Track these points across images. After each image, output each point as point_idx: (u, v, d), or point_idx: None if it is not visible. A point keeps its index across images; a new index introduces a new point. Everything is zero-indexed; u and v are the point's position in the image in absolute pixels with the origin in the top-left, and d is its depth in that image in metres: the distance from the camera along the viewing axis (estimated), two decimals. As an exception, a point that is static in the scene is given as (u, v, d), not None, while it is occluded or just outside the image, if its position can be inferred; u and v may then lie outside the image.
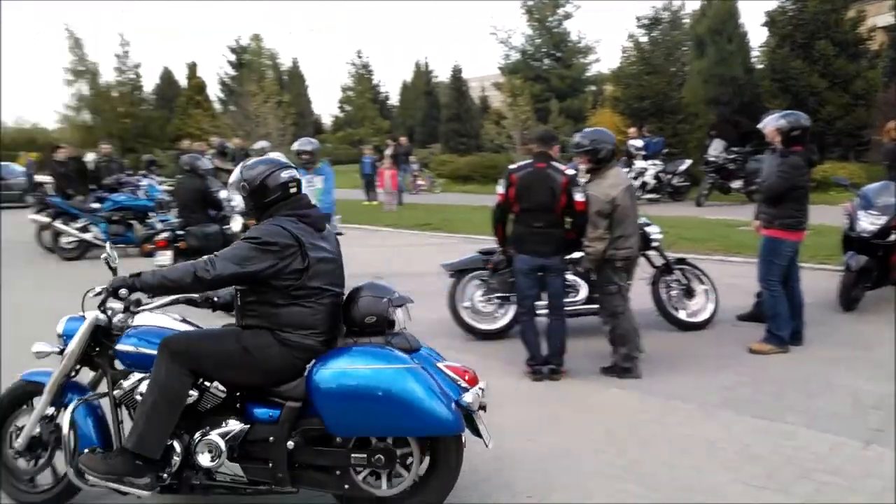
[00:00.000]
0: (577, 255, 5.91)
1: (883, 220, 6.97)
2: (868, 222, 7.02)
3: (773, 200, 5.98)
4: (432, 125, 42.20)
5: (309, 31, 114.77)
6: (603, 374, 5.60)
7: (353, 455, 3.24)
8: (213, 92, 44.72)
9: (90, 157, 15.21)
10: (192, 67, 42.24)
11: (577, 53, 37.13)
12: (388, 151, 21.30)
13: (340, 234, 8.08)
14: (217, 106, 42.35)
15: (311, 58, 78.30)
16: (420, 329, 6.73)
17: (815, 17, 19.67)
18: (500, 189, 5.54)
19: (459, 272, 6.56)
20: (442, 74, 51.49)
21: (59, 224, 11.76)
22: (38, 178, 23.70)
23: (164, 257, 8.17)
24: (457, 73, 36.88)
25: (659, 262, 6.78)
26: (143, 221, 11.99)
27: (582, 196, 5.36)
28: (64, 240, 11.81)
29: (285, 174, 3.38)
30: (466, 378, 3.40)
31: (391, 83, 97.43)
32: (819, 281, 7.63)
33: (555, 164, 5.47)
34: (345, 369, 3.17)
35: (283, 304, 3.24)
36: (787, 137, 5.95)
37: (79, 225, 11.87)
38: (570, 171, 5.48)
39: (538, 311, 5.66)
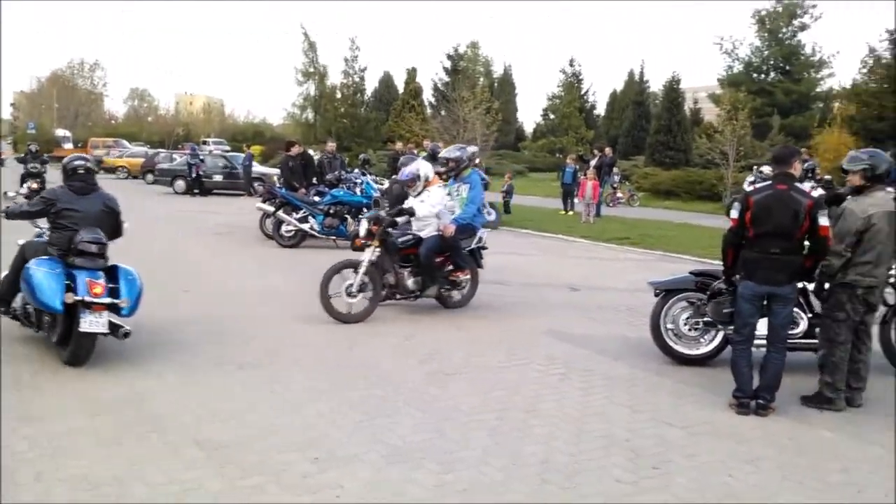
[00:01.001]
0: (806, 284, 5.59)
1: None
2: None
3: None
4: (638, 136, 41.21)
5: (522, 38, 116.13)
6: (803, 404, 5.30)
7: None
8: (427, 97, 46.73)
9: (314, 153, 16.50)
10: (412, 72, 44.51)
11: (809, 67, 34.70)
12: (593, 162, 21.11)
13: (484, 248, 8.19)
14: (428, 110, 44.20)
15: (523, 65, 79.47)
16: (614, 344, 6.75)
17: None
18: (735, 214, 5.26)
19: (667, 292, 6.37)
20: (654, 84, 50.08)
21: (282, 213, 12.87)
22: (259, 169, 26.12)
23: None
24: (674, 82, 35.71)
25: (893, 299, 6.18)
26: (357, 217, 12.81)
27: (827, 220, 5.05)
28: (284, 228, 12.91)
29: (77, 163, 6.07)
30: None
31: (600, 91, 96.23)
32: None
33: (798, 185, 5.18)
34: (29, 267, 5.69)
35: (50, 228, 5.91)
36: None
37: (299, 216, 12.93)
38: (816, 193, 5.18)
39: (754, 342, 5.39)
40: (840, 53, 52.30)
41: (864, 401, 5.42)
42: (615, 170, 23.33)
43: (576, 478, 4.08)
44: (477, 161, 16.83)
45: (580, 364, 6.24)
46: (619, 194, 23.34)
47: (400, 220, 7.87)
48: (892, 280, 5.96)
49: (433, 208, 7.84)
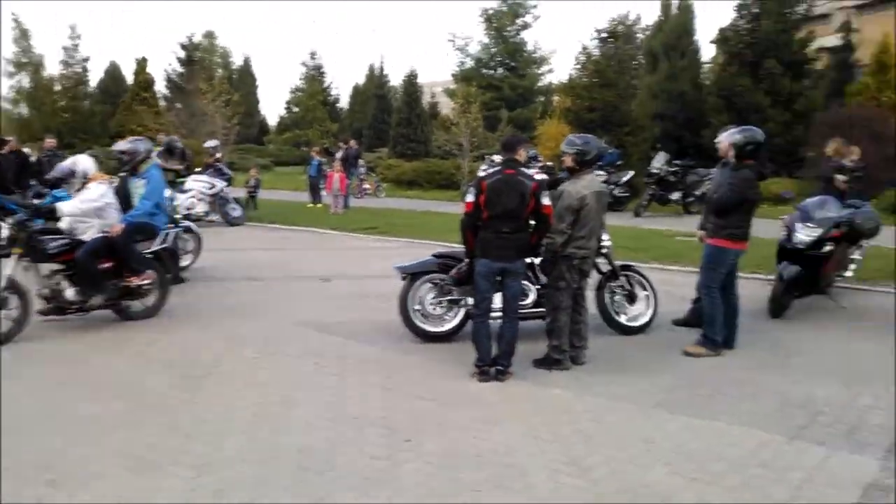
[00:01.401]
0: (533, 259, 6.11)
1: (819, 231, 7.32)
2: (805, 234, 7.37)
3: (722, 212, 6.25)
4: (381, 129, 42.15)
5: (261, 29, 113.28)
6: (535, 367, 5.85)
7: None
8: (160, 88, 43.83)
9: (28, 151, 14.79)
10: (142, 62, 41.38)
11: (532, 63, 37.76)
12: (339, 154, 21.25)
13: (173, 249, 7.58)
14: (162, 103, 41.51)
15: (263, 57, 77.51)
16: (365, 329, 6.91)
17: (767, 37, 20.41)
18: (470, 198, 5.56)
19: (413, 275, 6.63)
20: (394, 78, 51.49)
21: (-7, 219, 11.40)
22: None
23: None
24: (412, 77, 37.00)
25: (606, 268, 6.99)
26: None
27: (549, 200, 5.54)
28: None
29: None
30: None
31: (343, 85, 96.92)
32: (751, 289, 7.97)
33: (523, 170, 5.64)
34: None
35: None
36: (740, 152, 6.24)
37: (13, 221, 11.52)
38: (540, 176, 5.67)
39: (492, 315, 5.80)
40: (557, 51, 57.57)
41: (588, 358, 6.09)
42: (361, 161, 23.69)
43: (333, 461, 4.14)
44: (218, 155, 16.29)
45: (334, 352, 6.31)
46: (366, 185, 23.75)
47: (62, 224, 6.98)
48: (604, 251, 6.75)
49: (82, 205, 7.01)
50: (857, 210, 7.91)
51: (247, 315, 7.61)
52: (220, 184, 15.05)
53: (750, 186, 6.17)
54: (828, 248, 7.32)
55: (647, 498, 3.77)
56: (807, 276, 7.46)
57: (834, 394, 5.34)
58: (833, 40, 26.26)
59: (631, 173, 18.12)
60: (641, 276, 7.16)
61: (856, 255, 8.48)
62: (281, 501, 3.70)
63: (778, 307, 7.42)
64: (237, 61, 54.01)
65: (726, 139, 6.37)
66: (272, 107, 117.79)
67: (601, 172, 17.60)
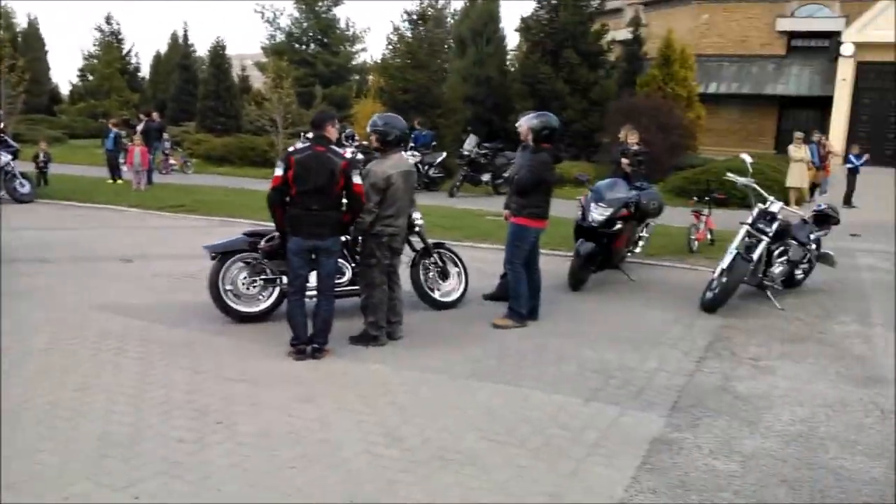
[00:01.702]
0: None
1: (609, 211, 7.93)
2: (598, 213, 7.95)
3: (523, 192, 6.60)
4: (187, 101, 39.89)
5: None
6: (352, 343, 5.90)
7: None
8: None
9: None
10: None
11: (345, 41, 37.32)
12: (140, 127, 19.90)
13: None
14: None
15: (52, 18, 70.46)
16: (173, 312, 6.60)
17: (564, 27, 21.59)
18: (279, 172, 5.45)
19: (223, 254, 6.40)
20: (200, 49, 48.82)
21: None
22: None
23: None
24: (219, 48, 35.21)
25: (419, 245, 7.15)
26: None
27: (360, 179, 5.54)
28: None
29: None
30: None
31: (143, 53, 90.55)
32: (552, 265, 8.52)
33: (334, 147, 5.59)
34: None
35: None
36: (538, 136, 6.60)
37: None
38: (349, 154, 5.65)
39: (307, 293, 5.75)
40: (371, 30, 57.25)
41: (403, 333, 6.22)
42: (165, 136, 22.33)
43: (136, 447, 3.96)
44: (1, 125, 14.67)
45: (137, 335, 5.97)
46: (172, 161, 22.44)
47: None
48: (417, 229, 6.90)
49: None
50: (643, 191, 8.67)
51: (36, 300, 6.98)
52: (4, 157, 13.61)
53: (547, 168, 6.57)
54: (618, 226, 7.96)
55: (459, 463, 3.95)
56: (601, 253, 8.08)
57: (625, 358, 5.86)
58: (625, 34, 28.40)
59: (444, 155, 18.57)
60: (453, 253, 7.40)
61: (643, 233, 9.30)
62: (82, 490, 3.48)
63: (576, 281, 7.98)
64: (21, 23, 48.73)
65: (525, 123, 6.73)
66: (64, 74, 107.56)
67: (416, 153, 17.95)
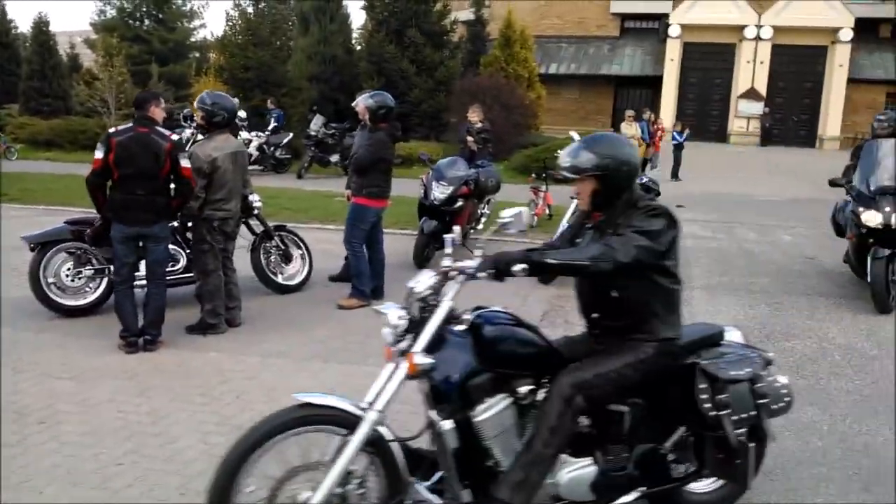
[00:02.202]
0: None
1: (450, 189, 8.11)
2: (439, 192, 8.11)
3: (361, 171, 6.62)
4: (9, 81, 36.68)
5: None
6: (189, 333, 5.74)
7: None
8: None
9: None
10: None
11: (182, 17, 35.59)
12: (-51, 109, 18.12)
13: None
14: None
15: None
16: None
17: (407, 6, 21.63)
18: (99, 154, 5.13)
19: (44, 245, 5.99)
20: (21, 24, 44.84)
21: None
22: None
23: None
24: (42, 24, 32.53)
25: (259, 229, 7.02)
26: None
27: (188, 162, 5.34)
28: None
29: None
30: None
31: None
32: (399, 244, 8.63)
33: (159, 128, 5.33)
34: None
35: None
36: (374, 115, 6.62)
37: None
38: (175, 136, 5.43)
39: (136, 282, 5.50)
40: (209, 5, 54.90)
41: (245, 319, 6.10)
42: (-18, 118, 20.49)
43: (-54, 457, 3.67)
44: None
45: (-53, 337, 5.51)
46: (-9, 146, 20.64)
47: None
48: (255, 212, 6.77)
49: None
50: (482, 169, 8.94)
51: None
52: None
53: (384, 147, 6.63)
54: (459, 203, 8.17)
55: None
56: (444, 230, 8.25)
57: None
58: (468, 14, 28.90)
59: (290, 135, 18.21)
60: (295, 235, 7.33)
61: (485, 210, 9.60)
62: None
63: (421, 258, 8.12)
64: None
65: (362, 102, 6.76)
66: None
67: (262, 134, 17.49)
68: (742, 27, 32.39)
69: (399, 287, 7.24)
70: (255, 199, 6.65)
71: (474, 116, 12.61)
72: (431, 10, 22.01)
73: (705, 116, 34.79)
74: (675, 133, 19.36)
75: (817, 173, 19.74)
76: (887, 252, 6.77)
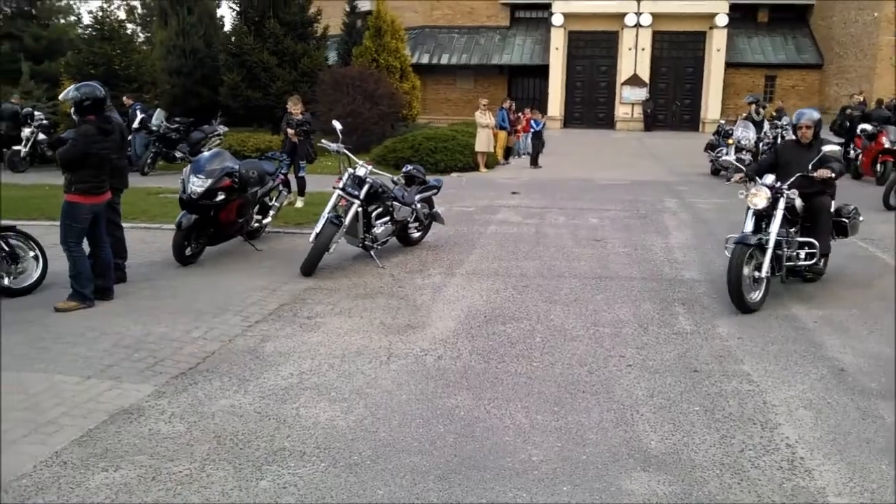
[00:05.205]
0: None
1: (208, 182, 7.81)
2: (196, 185, 7.80)
3: (67, 167, 6.31)
4: None
5: None
6: None
7: None
8: None
9: None
10: None
11: (57, 14, 34.29)
12: None
13: None
14: None
15: None
16: None
17: (265, -2, 21.21)
18: None
19: None
20: None
21: None
22: None
23: None
24: None
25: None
26: None
27: None
28: None
29: None
30: None
31: None
32: (165, 239, 8.34)
33: None
34: None
35: None
36: (80, 107, 6.32)
37: None
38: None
39: None
40: (88, 1, 53.09)
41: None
42: None
43: None
44: None
45: None
46: None
47: None
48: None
49: None
50: (245, 161, 8.71)
51: None
52: None
53: (92, 141, 6.31)
54: (221, 197, 7.89)
55: None
56: (210, 225, 8.00)
57: (173, 330, 5.83)
58: (368, 5, 28.48)
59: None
60: (27, 236, 6.96)
61: (275, 203, 9.38)
62: None
63: (181, 254, 7.84)
64: None
65: (66, 96, 6.51)
66: None
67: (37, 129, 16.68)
68: (623, 14, 32.98)
69: (146, 286, 7.01)
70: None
71: (295, 108, 12.42)
72: (291, 1, 21.60)
73: (593, 104, 35.38)
74: (533, 122, 19.51)
75: (688, 155, 20.30)
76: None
